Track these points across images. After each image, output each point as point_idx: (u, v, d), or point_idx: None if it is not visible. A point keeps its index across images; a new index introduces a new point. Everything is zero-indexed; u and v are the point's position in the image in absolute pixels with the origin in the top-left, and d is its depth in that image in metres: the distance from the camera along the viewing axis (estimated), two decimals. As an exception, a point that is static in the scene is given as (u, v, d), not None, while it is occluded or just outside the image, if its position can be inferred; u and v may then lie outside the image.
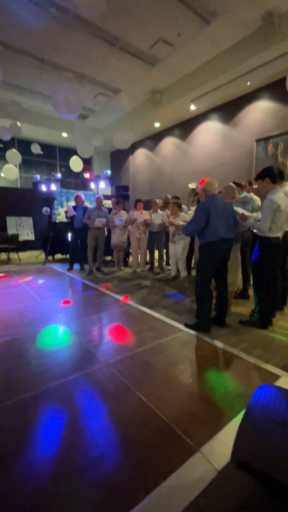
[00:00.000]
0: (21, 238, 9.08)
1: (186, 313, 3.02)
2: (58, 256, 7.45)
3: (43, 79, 7.29)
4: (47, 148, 11.73)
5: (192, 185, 8.78)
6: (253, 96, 6.95)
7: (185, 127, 8.96)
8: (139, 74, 7.04)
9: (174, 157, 9.49)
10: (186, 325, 2.58)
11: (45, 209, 6.66)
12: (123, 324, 2.69)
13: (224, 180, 7.78)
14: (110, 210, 6.27)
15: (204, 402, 1.53)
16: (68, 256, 6.30)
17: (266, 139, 6.68)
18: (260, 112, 6.82)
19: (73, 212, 5.44)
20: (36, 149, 7.75)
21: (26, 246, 9.11)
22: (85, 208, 5.56)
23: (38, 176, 6.81)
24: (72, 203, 6.78)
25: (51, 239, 6.48)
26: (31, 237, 9.46)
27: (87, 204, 8.72)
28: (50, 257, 7.09)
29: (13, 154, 7.70)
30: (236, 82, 6.55)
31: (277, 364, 1.93)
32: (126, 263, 6.29)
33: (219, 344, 2.24)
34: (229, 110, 7.55)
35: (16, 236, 6.94)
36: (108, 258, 6.72)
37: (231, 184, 3.52)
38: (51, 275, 5.23)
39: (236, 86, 6.73)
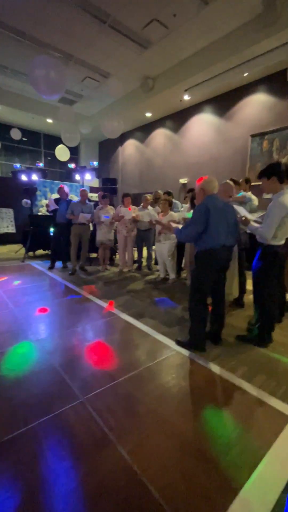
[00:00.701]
0: (0, 231, 8.49)
1: (177, 324, 2.71)
2: (40, 251, 6.96)
3: (24, 56, 6.62)
4: (31, 134, 10.97)
5: (183, 180, 8.44)
6: (250, 88, 6.62)
7: (177, 119, 8.54)
8: (131, 57, 6.52)
9: (165, 149, 9.08)
10: (178, 343, 2.27)
11: (25, 201, 6.13)
12: (106, 341, 2.34)
13: (216, 176, 7.43)
14: (96, 204, 5.84)
15: (202, 460, 1.22)
16: (50, 252, 5.85)
17: (262, 135, 6.39)
18: (257, 105, 6.51)
19: (54, 206, 4.98)
20: (16, 134, 7.11)
21: (5, 239, 8.52)
22: (69, 202, 5.10)
23: (18, 165, 6.22)
24: (56, 195, 6.29)
25: (32, 234, 5.98)
26: (12, 229, 8.85)
27: (72, 196, 8.23)
28: (30, 253, 6.59)
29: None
30: (232, 72, 6.17)
31: (285, 396, 1.65)
32: (112, 262, 5.91)
33: (215, 368, 1.94)
34: (224, 102, 7.19)
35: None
36: (94, 255, 6.31)
37: (229, 181, 3.21)
38: (30, 275, 4.78)
39: (233, 77, 6.35)
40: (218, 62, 5.89)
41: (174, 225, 2.56)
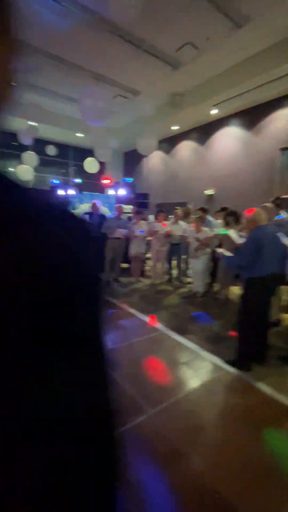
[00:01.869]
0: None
1: (219, 341, 2.87)
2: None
3: (59, 77, 7.11)
4: (60, 147, 11.54)
5: (208, 192, 8.56)
6: (279, 102, 6.69)
7: (203, 131, 8.71)
8: (161, 76, 6.81)
9: (190, 161, 9.26)
10: (227, 362, 2.42)
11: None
12: (157, 356, 2.55)
13: (242, 189, 7.59)
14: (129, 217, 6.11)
15: (272, 477, 1.38)
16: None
17: (292, 148, 6.43)
18: (286, 119, 6.57)
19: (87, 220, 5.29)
20: (51, 151, 7.58)
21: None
22: (102, 216, 5.41)
23: (55, 181, 6.65)
24: (85, 206, 6.61)
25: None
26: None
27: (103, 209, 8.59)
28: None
29: (30, 156, 7.56)
30: (261, 89, 6.30)
31: None
32: (142, 273, 6.12)
33: (266, 389, 2.09)
34: (252, 116, 7.29)
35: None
36: (124, 265, 6.58)
37: (267, 204, 3.35)
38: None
39: (262, 94, 6.48)
40: (247, 80, 6.04)
41: (219, 250, 2.73)
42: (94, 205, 5.34)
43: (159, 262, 5.27)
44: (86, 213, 5.40)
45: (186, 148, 9.44)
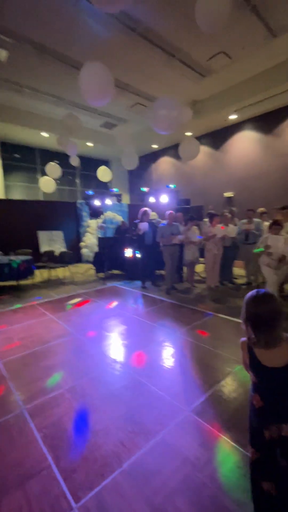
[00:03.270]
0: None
1: None
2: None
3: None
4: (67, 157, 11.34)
5: (228, 194, 8.79)
6: (298, 107, 7.06)
7: (218, 136, 8.97)
8: (187, 85, 6.95)
9: (205, 165, 9.47)
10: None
11: (101, 225, 6.36)
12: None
13: (263, 191, 7.88)
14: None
15: None
16: (116, 271, 6.07)
17: (315, 149, 6.79)
18: (307, 122, 6.94)
19: (145, 229, 5.23)
20: (75, 161, 7.42)
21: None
22: (152, 224, 5.37)
23: (91, 191, 6.51)
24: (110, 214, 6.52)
25: (107, 255, 6.20)
26: (57, 252, 9.11)
27: (114, 215, 8.53)
28: (100, 274, 6.81)
29: (52, 167, 7.34)
30: (282, 95, 6.63)
31: None
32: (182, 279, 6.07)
33: None
34: (270, 120, 7.63)
35: (69, 254, 6.56)
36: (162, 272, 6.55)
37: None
38: (125, 296, 4.98)
39: (282, 100, 6.82)
40: (272, 87, 6.34)
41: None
42: (145, 212, 5.28)
43: (216, 266, 5.30)
44: (135, 222, 5.33)
45: (199, 153, 9.63)
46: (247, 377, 2.24)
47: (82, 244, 9.31)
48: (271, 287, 3.76)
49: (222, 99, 7.37)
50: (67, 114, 5.81)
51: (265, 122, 7.76)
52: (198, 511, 1.27)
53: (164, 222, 5.22)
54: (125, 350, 2.89)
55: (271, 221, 3.85)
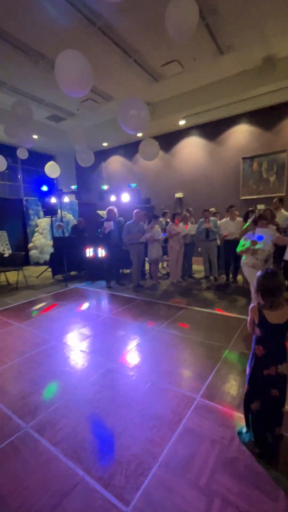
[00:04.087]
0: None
1: None
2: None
3: (38, 78, 6.50)
4: (8, 149, 10.22)
5: (178, 194, 9.33)
6: (237, 119, 7.98)
7: (168, 140, 9.40)
8: (140, 86, 7.09)
9: (156, 167, 9.81)
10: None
11: (59, 224, 5.96)
12: None
13: (210, 193, 8.67)
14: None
15: None
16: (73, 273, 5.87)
17: (252, 158, 7.81)
18: (244, 134, 7.91)
19: (111, 228, 5.16)
20: (23, 154, 6.73)
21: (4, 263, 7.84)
22: (118, 222, 5.37)
23: (45, 188, 5.98)
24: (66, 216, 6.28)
25: (66, 256, 5.86)
26: (7, 253, 8.17)
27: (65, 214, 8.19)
28: (56, 276, 6.43)
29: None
30: (227, 107, 7.43)
31: None
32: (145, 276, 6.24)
33: None
34: (214, 128, 8.40)
35: (20, 255, 5.96)
36: (127, 271, 6.60)
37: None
38: (93, 297, 4.86)
39: (226, 111, 7.63)
40: (217, 99, 7.03)
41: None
42: (111, 211, 5.22)
43: (179, 262, 5.60)
44: (103, 220, 5.22)
45: (150, 154, 9.93)
46: (236, 359, 2.51)
47: (30, 245, 8.55)
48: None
49: (172, 104, 7.77)
50: (17, 102, 5.26)
51: (210, 130, 8.51)
52: (239, 481, 1.39)
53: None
54: (116, 350, 2.84)
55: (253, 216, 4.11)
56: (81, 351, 2.83)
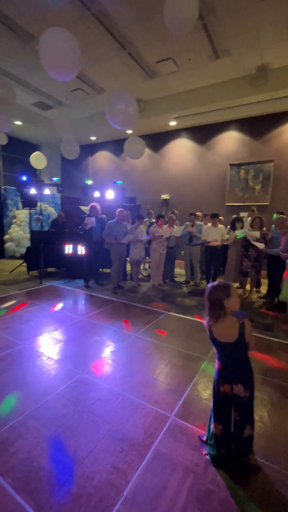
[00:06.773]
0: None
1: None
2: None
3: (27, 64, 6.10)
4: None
5: (165, 196, 9.21)
6: (227, 125, 7.99)
7: (158, 139, 9.27)
8: (133, 81, 6.88)
9: (144, 166, 9.64)
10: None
11: (37, 217, 5.61)
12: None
13: (198, 196, 8.63)
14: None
15: None
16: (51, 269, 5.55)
17: (239, 165, 7.85)
18: (233, 140, 7.94)
19: (93, 224, 4.91)
20: (2, 139, 6.28)
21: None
22: (101, 220, 5.14)
23: (24, 177, 5.59)
24: (47, 209, 5.98)
25: (43, 251, 5.54)
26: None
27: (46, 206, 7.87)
28: (31, 272, 6.08)
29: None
30: (217, 112, 7.40)
31: None
32: (125, 277, 6.05)
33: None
34: (204, 132, 8.36)
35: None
36: (107, 270, 6.37)
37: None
38: (69, 296, 4.60)
39: (216, 116, 7.61)
40: (209, 103, 6.98)
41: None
42: (94, 208, 4.97)
43: (161, 265, 5.46)
44: (84, 216, 4.96)
45: (138, 152, 9.74)
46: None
47: (6, 237, 8.07)
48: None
49: (164, 103, 7.63)
50: (-1, 82, 4.88)
51: (200, 134, 8.46)
52: (212, 520, 1.24)
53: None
54: (88, 358, 2.63)
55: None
56: (49, 358, 2.59)
